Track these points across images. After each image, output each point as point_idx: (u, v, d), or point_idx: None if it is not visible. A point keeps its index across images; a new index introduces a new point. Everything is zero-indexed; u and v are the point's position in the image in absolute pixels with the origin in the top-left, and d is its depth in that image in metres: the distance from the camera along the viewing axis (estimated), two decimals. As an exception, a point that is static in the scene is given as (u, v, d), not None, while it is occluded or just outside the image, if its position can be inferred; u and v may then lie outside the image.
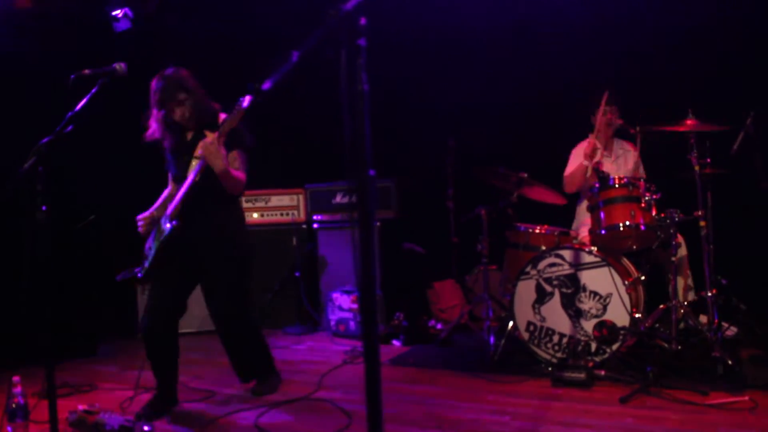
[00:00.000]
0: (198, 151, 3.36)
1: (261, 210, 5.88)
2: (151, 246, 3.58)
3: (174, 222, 3.41)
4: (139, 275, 3.61)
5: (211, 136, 3.31)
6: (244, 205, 5.86)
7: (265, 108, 6.12)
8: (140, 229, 3.63)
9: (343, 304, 5.28)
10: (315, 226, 5.83)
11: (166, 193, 3.80)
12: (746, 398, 3.33)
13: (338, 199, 5.76)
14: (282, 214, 5.88)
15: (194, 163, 3.48)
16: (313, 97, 5.58)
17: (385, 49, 5.73)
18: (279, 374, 3.97)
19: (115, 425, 3.05)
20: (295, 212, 5.88)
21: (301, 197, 5.91)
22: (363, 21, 1.55)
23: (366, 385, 1.57)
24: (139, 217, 3.66)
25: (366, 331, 1.59)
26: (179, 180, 3.56)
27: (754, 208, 4.67)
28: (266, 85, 1.55)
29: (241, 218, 3.84)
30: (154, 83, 3.51)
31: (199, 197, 3.47)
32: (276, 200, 5.90)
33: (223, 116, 3.49)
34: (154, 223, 3.61)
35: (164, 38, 6.05)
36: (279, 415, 3.42)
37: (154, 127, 3.59)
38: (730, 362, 3.70)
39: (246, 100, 3.21)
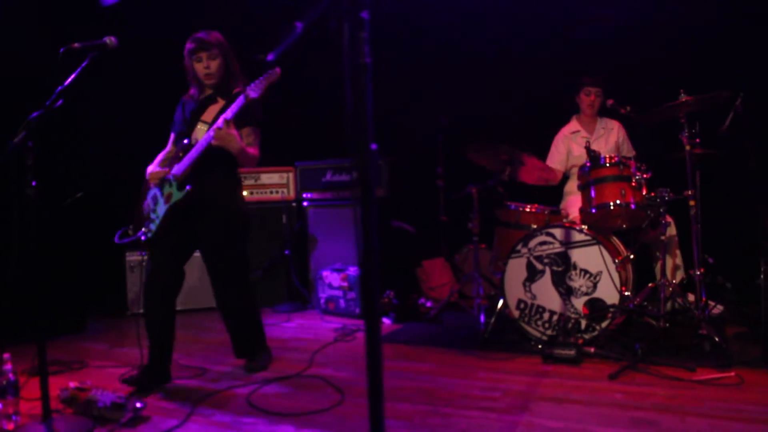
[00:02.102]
0: (209, 132, 3.39)
1: (251, 188, 5.86)
2: (153, 208, 3.56)
3: (188, 186, 3.43)
4: (143, 238, 3.57)
5: (222, 122, 3.35)
6: (233, 182, 5.84)
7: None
8: (151, 183, 3.62)
9: (332, 282, 5.28)
10: (305, 204, 5.82)
11: (166, 151, 3.77)
12: (732, 374, 3.39)
13: (328, 177, 5.74)
14: (272, 192, 5.86)
15: (200, 127, 3.52)
16: (303, 74, 5.55)
17: (377, 26, 5.71)
18: (270, 351, 3.98)
19: (108, 402, 3.05)
20: (285, 190, 5.86)
21: (290, 175, 5.89)
22: (366, -6, 1.53)
23: (367, 361, 1.57)
24: (151, 170, 3.63)
25: (366, 307, 1.59)
26: (181, 137, 3.60)
27: (741, 186, 4.71)
28: (270, 57, 1.53)
29: (241, 188, 3.88)
30: (189, 41, 3.60)
31: (208, 163, 3.49)
32: (266, 178, 5.87)
33: (237, 89, 3.54)
34: (162, 180, 3.59)
35: (156, 9, 5.97)
36: (271, 392, 3.43)
37: (194, 90, 3.71)
38: (716, 339, 3.76)
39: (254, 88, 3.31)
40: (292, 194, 5.89)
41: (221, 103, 3.60)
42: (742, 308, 4.61)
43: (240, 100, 3.34)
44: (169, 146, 3.77)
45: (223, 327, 3.88)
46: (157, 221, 3.51)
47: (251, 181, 5.86)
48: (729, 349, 3.77)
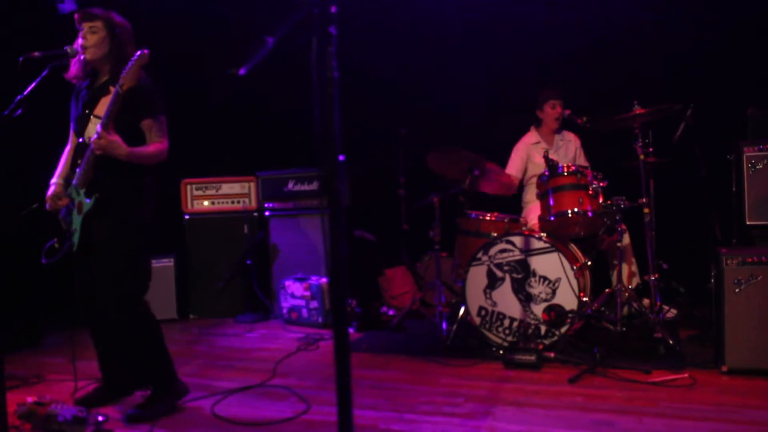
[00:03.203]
0: (94, 143, 3.08)
1: (212, 198, 5.83)
2: (70, 220, 3.30)
3: (97, 194, 3.17)
4: (74, 250, 3.30)
5: (100, 133, 3.05)
6: (194, 192, 5.81)
7: (216, 95, 6.11)
8: (51, 190, 3.36)
9: (295, 291, 5.28)
10: (267, 213, 5.81)
11: (67, 150, 3.52)
12: (686, 375, 3.52)
13: (290, 186, 5.74)
14: (233, 202, 5.84)
15: (93, 123, 3.20)
16: (265, 84, 5.56)
17: (339, 36, 5.75)
18: (174, 401, 3.39)
19: (68, 416, 3.01)
20: (247, 200, 5.85)
21: (252, 185, 5.88)
22: (334, 9, 1.57)
23: (336, 370, 1.60)
24: (54, 181, 3.40)
25: (336, 316, 1.62)
26: (76, 134, 3.32)
27: (692, 194, 4.87)
28: (242, 71, 1.56)
29: (143, 194, 3.35)
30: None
31: (105, 165, 3.17)
32: (227, 188, 5.86)
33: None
34: (69, 188, 3.31)
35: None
36: (235, 403, 3.42)
37: (75, 68, 3.31)
38: (670, 342, 3.89)
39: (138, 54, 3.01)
40: (253, 204, 5.87)
41: (113, 93, 3.16)
42: (694, 312, 4.76)
43: (112, 98, 3.05)
44: (69, 142, 3.51)
45: (182, 338, 3.84)
46: (77, 234, 3.25)
47: (212, 191, 5.83)
48: (682, 352, 3.91)
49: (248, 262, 5.61)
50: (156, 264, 5.52)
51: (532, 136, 5.18)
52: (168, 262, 5.60)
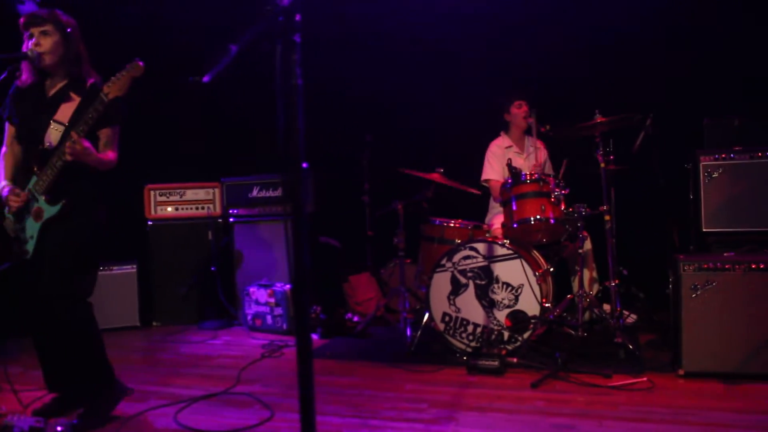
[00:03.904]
0: (67, 149, 3.02)
1: (176, 204, 5.78)
2: (21, 227, 3.22)
3: (65, 200, 3.13)
4: (28, 257, 3.21)
5: (77, 140, 3.00)
6: (158, 198, 5.75)
7: (180, 101, 6.07)
8: (6, 191, 3.23)
9: (259, 298, 5.26)
10: (231, 220, 5.77)
11: (4, 151, 3.37)
12: (645, 379, 3.59)
13: (255, 193, 5.72)
14: (197, 208, 5.80)
15: (54, 128, 3.14)
16: (230, 91, 5.55)
17: (304, 42, 5.77)
18: (107, 412, 3.29)
19: (25, 427, 2.95)
20: (211, 206, 5.81)
21: (217, 191, 5.84)
22: (298, 17, 1.58)
23: (299, 377, 1.60)
24: (3, 184, 3.28)
25: (299, 322, 1.63)
26: (30, 140, 3.22)
27: (651, 202, 4.98)
28: (206, 78, 1.56)
29: (100, 200, 3.31)
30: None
31: (70, 171, 3.12)
32: (191, 194, 5.81)
33: (92, 80, 3.21)
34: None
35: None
36: (199, 411, 3.39)
37: (27, 72, 3.22)
38: (630, 347, 3.96)
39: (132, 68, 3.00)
40: (218, 210, 5.84)
41: (76, 100, 3.19)
42: (653, 317, 4.86)
43: (95, 105, 3.01)
44: (6, 144, 3.36)
45: (145, 345, 3.80)
46: (33, 241, 3.17)
47: (176, 197, 5.79)
48: (641, 356, 3.99)
49: (212, 268, 5.57)
50: (118, 270, 5.47)
51: (504, 140, 5.20)
52: (130, 269, 5.54)
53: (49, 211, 3.16)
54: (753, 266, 3.56)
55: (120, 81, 3.00)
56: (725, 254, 3.77)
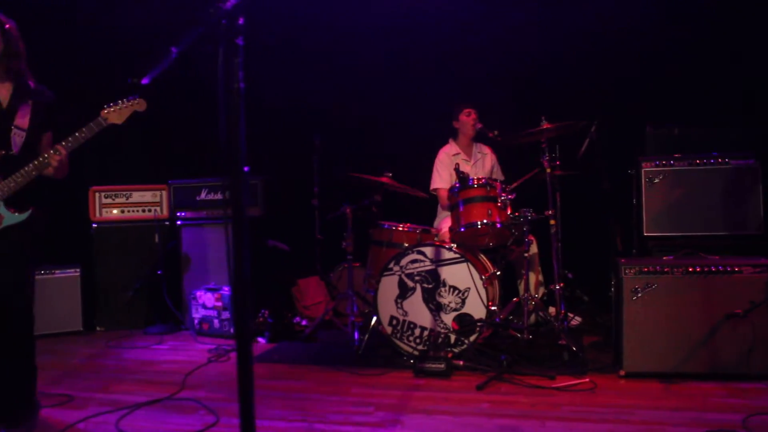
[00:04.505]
0: (53, 163, 3.02)
1: (121, 206, 5.67)
2: None
3: (32, 208, 3.09)
4: None
5: (63, 154, 3.02)
6: (103, 200, 5.64)
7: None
8: None
9: (206, 302, 5.20)
10: (178, 223, 5.69)
11: None
12: (587, 380, 3.68)
13: (203, 195, 5.66)
14: (144, 211, 5.70)
15: (17, 133, 3.07)
16: (178, 92, 5.48)
17: (253, 46, 5.73)
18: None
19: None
20: (158, 209, 5.72)
21: (164, 193, 5.75)
22: (241, 20, 1.58)
23: (238, 381, 1.60)
24: None
25: (239, 327, 1.62)
26: None
27: (596, 207, 5.10)
28: (145, 80, 1.54)
29: (45, 205, 3.26)
30: None
31: (33, 178, 3.08)
32: (138, 196, 5.71)
33: (31, 82, 3.13)
34: None
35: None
36: (142, 417, 3.33)
37: None
38: (574, 349, 4.05)
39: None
40: (165, 213, 5.75)
41: (30, 103, 3.11)
42: (597, 319, 4.97)
43: (94, 128, 3.05)
44: None
45: (88, 351, 3.72)
46: None
47: (122, 199, 5.68)
48: (585, 358, 4.08)
49: (159, 272, 5.48)
50: (60, 274, 5.35)
51: (451, 148, 5.27)
52: (73, 273, 5.41)
53: (15, 218, 3.08)
54: (690, 269, 3.68)
55: (122, 111, 3.05)
56: (665, 258, 3.88)
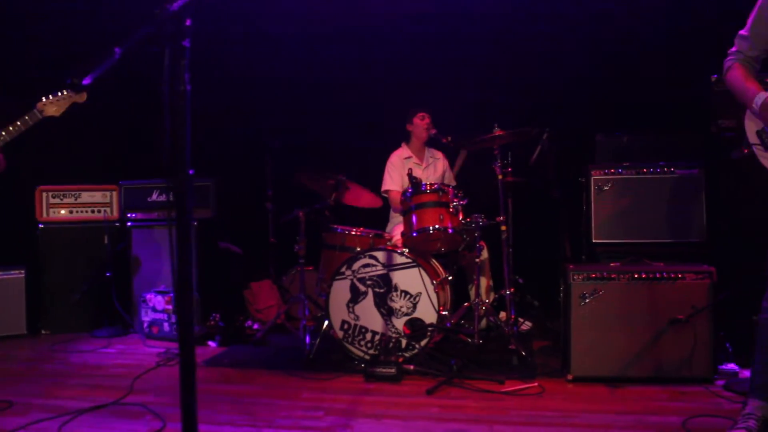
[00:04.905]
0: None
1: (70, 206, 5.54)
2: None
3: None
4: None
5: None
6: (51, 200, 5.51)
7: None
8: None
9: (156, 305, 5.12)
10: (129, 224, 5.59)
11: None
12: (536, 384, 3.73)
13: (154, 196, 5.57)
14: (93, 211, 5.58)
15: None
16: (131, 90, 5.40)
17: (209, 47, 5.69)
18: None
19: None
20: (108, 209, 5.61)
21: (114, 194, 5.64)
22: (188, 22, 1.57)
23: (181, 386, 1.58)
24: None
25: (181, 332, 1.60)
26: None
27: (546, 213, 5.18)
28: (86, 81, 1.52)
29: None
30: None
31: None
32: (87, 196, 5.59)
33: None
34: None
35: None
36: (86, 423, 3.26)
37: None
38: (523, 353, 4.10)
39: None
40: (115, 214, 5.65)
41: None
42: (547, 324, 5.04)
43: (29, 121, 2.96)
44: None
45: (31, 355, 3.62)
46: None
47: (70, 200, 5.55)
48: (534, 362, 4.13)
49: (108, 274, 5.37)
50: (3, 276, 5.22)
51: (404, 151, 5.31)
52: (18, 274, 5.28)
53: None
54: (636, 276, 3.76)
55: (60, 102, 2.92)
56: (611, 264, 3.96)
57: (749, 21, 2.91)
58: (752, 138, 2.84)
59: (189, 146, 1.59)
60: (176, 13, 1.57)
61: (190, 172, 1.58)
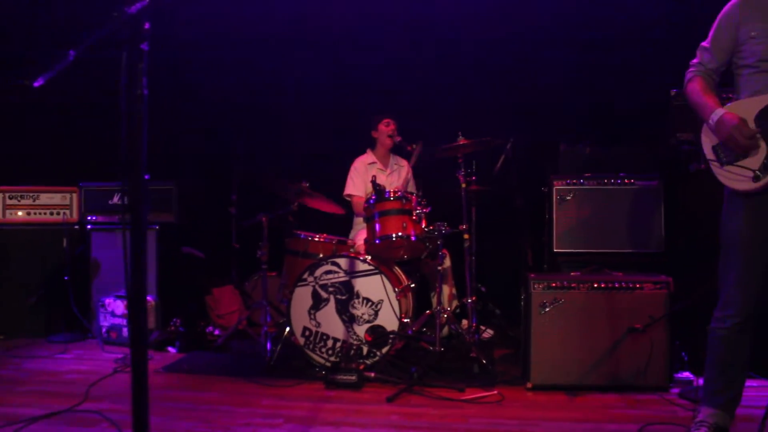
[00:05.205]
0: None
1: (28, 208, 5.43)
2: None
3: None
4: None
5: None
6: (8, 201, 5.40)
7: (36, 99, 5.75)
8: None
9: (116, 310, 5.04)
10: (89, 227, 5.49)
11: None
12: (496, 392, 3.75)
13: (115, 199, 5.49)
14: (52, 213, 5.47)
15: None
16: (92, 91, 5.32)
17: (175, 50, 5.64)
18: None
19: None
20: (67, 212, 5.50)
21: (74, 196, 5.54)
22: (147, 25, 1.55)
23: (132, 393, 1.56)
24: None
25: (134, 338, 1.58)
26: None
27: (509, 222, 5.22)
28: (38, 82, 1.49)
29: None
30: None
31: None
32: (46, 198, 5.48)
33: None
34: None
35: None
36: (39, 431, 3.20)
37: None
38: (484, 362, 4.13)
39: None
40: (75, 216, 5.54)
41: None
42: (509, 332, 5.08)
43: None
44: None
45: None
46: None
47: (28, 201, 5.44)
48: (494, 370, 4.16)
49: (65, 277, 5.27)
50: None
51: (368, 157, 5.32)
52: (-29, 277, 5.16)
53: None
54: (595, 285, 3.82)
55: None
56: (572, 273, 4.00)
57: (710, 33, 2.97)
58: (709, 154, 2.89)
59: (145, 150, 1.57)
60: (134, 17, 1.56)
61: (146, 176, 1.56)
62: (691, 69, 3.03)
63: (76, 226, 5.54)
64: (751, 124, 2.75)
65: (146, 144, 1.59)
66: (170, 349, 4.84)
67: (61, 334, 5.22)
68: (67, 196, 5.54)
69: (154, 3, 1.56)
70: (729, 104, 2.85)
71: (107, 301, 5.10)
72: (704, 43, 2.99)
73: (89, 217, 5.50)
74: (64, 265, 5.32)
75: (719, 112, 2.81)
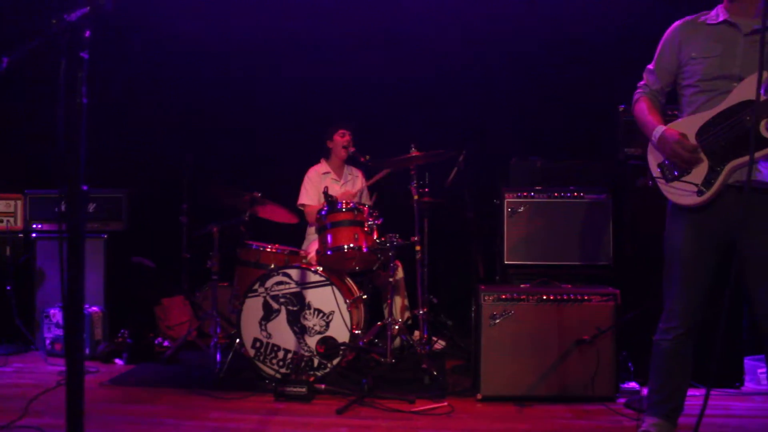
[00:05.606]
0: None
1: (-32, 215, 5.28)
2: None
3: None
4: None
5: None
6: (-53, 209, 5.23)
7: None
8: None
9: (60, 320, 4.91)
10: (34, 235, 5.35)
11: None
12: (446, 404, 3.75)
13: (63, 207, 5.35)
14: (-6, 221, 5.33)
15: None
16: (37, 96, 5.20)
17: (126, 58, 5.56)
18: None
19: None
20: (11, 219, 5.35)
21: (19, 203, 5.39)
22: (88, 33, 1.52)
23: (67, 407, 1.52)
24: None
25: (69, 349, 1.55)
26: None
27: (461, 234, 5.26)
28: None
29: None
30: None
31: None
32: (-12, 205, 5.33)
33: None
34: None
35: None
36: (-26, 445, 3.10)
37: None
38: (435, 373, 4.14)
39: None
40: (19, 224, 5.40)
41: None
42: (460, 343, 5.10)
43: None
44: None
45: None
46: None
47: (-30, 208, 5.29)
48: (445, 381, 4.17)
49: (7, 287, 5.12)
50: None
51: (322, 167, 5.32)
52: None
53: None
54: (544, 297, 3.86)
55: None
56: (522, 285, 4.05)
57: (655, 55, 3.05)
58: (655, 171, 2.96)
59: (83, 159, 1.54)
60: (74, 24, 1.53)
61: (84, 186, 1.53)
62: (638, 90, 3.12)
63: (20, 234, 5.39)
64: (692, 140, 2.82)
65: (90, 153, 1.56)
66: (117, 361, 4.73)
67: (1, 347, 5.07)
68: (12, 203, 5.40)
69: (95, 10, 1.53)
70: (672, 123, 2.93)
71: (52, 311, 4.97)
72: (649, 66, 3.08)
73: (34, 225, 5.37)
74: (7, 275, 5.17)
75: (660, 129, 2.89)
